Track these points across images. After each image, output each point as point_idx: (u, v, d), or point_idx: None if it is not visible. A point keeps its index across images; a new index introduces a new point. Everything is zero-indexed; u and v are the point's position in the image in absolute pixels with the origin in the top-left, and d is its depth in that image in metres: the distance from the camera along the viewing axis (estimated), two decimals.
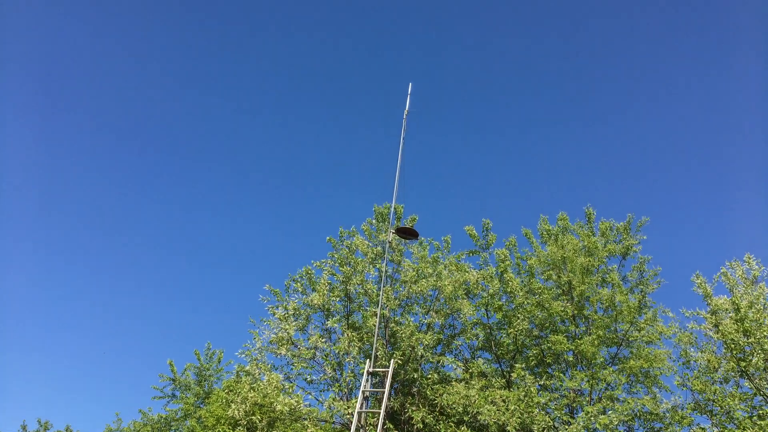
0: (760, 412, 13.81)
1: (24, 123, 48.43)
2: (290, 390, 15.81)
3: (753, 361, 13.96)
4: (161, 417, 23.25)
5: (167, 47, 58.94)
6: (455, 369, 16.19)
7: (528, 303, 15.90)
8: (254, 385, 15.55)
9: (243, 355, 16.38)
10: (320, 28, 62.10)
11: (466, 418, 14.30)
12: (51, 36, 51.66)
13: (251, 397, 15.10)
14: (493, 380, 15.32)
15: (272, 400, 14.88)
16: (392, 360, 13.37)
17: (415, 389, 15.61)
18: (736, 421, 13.70)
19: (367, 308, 16.39)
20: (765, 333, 13.92)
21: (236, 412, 15.10)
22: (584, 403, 14.91)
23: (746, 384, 14.47)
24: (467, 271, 16.35)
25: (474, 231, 17.69)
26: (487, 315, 16.66)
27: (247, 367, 16.28)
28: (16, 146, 47.67)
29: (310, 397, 16.04)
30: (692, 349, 15.43)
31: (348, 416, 14.90)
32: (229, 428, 16.94)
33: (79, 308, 52.31)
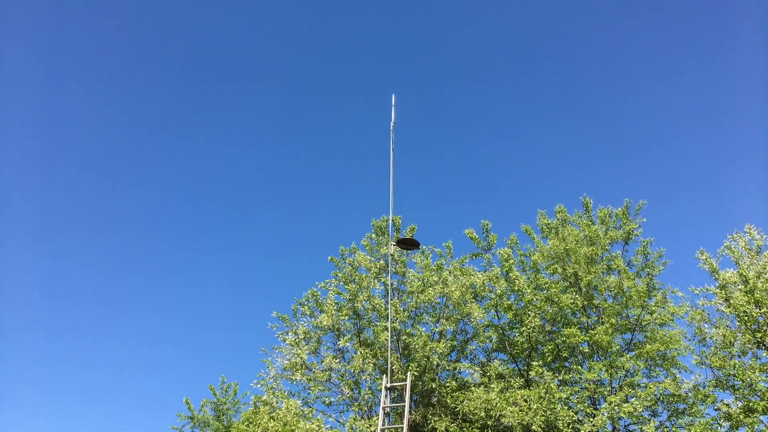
0: None
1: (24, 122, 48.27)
2: (310, 415, 15.70)
3: None
4: None
5: (162, 48, 59.07)
6: (472, 374, 16.11)
7: (537, 299, 15.86)
8: (273, 414, 15.45)
9: (258, 385, 16.30)
10: (297, 40, 62.37)
11: (489, 422, 14.21)
12: (50, 36, 51.54)
13: (272, 427, 14.98)
14: (512, 381, 15.23)
15: (293, 427, 14.76)
16: (408, 372, 13.31)
17: (434, 399, 15.51)
18: (759, 393, 13.64)
19: (377, 323, 16.31)
20: None
21: None
22: (606, 393, 14.82)
23: (764, 354, 14.43)
24: (472, 275, 16.31)
25: (474, 234, 17.67)
26: (498, 316, 16.60)
27: (264, 397, 16.18)
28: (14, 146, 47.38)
29: (330, 419, 15.95)
30: (706, 326, 15.39)
31: None
32: None
33: (86, 350, 51.87)
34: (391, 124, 14.71)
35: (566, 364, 15.68)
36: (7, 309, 45.70)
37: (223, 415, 23.75)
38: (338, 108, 62.34)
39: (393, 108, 14.86)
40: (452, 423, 14.56)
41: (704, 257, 15.78)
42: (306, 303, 17.09)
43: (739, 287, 14.83)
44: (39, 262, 50.81)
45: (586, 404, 14.65)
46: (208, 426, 23.41)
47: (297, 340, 16.39)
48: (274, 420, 15.12)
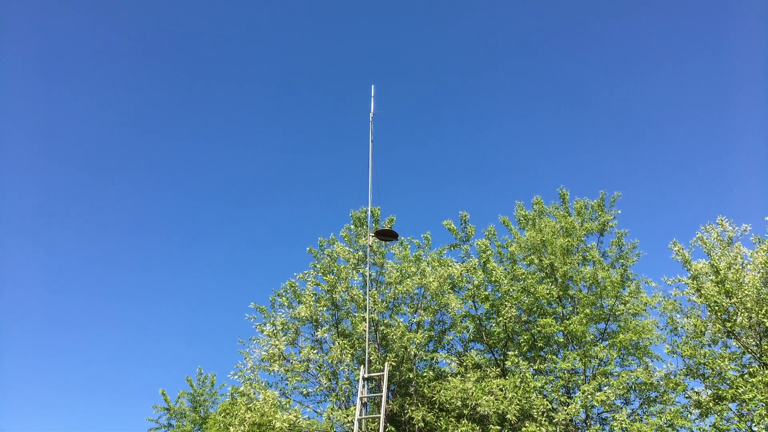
0: (750, 369, 14.10)
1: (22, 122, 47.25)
2: (287, 405, 15.69)
3: (737, 320, 14.25)
4: None
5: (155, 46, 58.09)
6: (449, 364, 16.24)
7: (513, 290, 16.02)
8: (250, 405, 15.39)
9: (236, 377, 16.23)
10: (278, 33, 61.78)
11: (465, 412, 14.34)
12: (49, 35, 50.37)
13: (249, 418, 14.94)
14: (488, 370, 15.40)
15: (270, 417, 14.74)
16: (386, 363, 13.36)
17: (412, 389, 15.60)
18: (728, 381, 13.97)
19: (356, 314, 16.34)
20: (746, 292, 14.23)
21: None
22: (579, 382, 15.05)
23: (734, 344, 14.78)
24: (450, 266, 16.40)
25: (452, 225, 17.75)
26: (475, 306, 16.74)
27: (242, 388, 16.12)
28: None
29: (308, 410, 15.95)
30: (678, 316, 15.72)
31: (348, 424, 14.82)
32: None
33: (58, 340, 51.09)
34: (371, 115, 14.67)
35: (542, 353, 15.90)
36: None
37: (200, 406, 23.66)
38: (317, 99, 62.03)
39: (372, 99, 14.82)
40: (429, 412, 14.67)
41: (677, 248, 16.08)
42: (284, 294, 17.03)
43: (711, 278, 15.15)
44: (11, 248, 49.82)
45: (560, 393, 14.87)
46: (185, 417, 23.31)
47: (275, 331, 16.34)
48: (252, 411, 15.07)
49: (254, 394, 15.75)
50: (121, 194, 57.06)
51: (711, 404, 13.90)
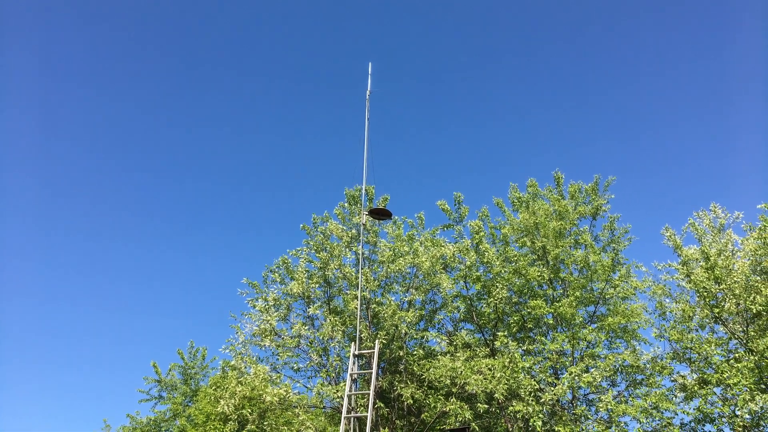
0: (736, 355, 14.29)
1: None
2: (278, 380, 15.82)
3: (725, 306, 14.37)
4: (150, 419, 23.12)
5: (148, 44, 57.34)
6: (439, 343, 16.36)
7: (505, 271, 16.09)
8: (241, 379, 15.52)
9: (227, 351, 16.34)
10: (277, 12, 61.00)
11: (454, 390, 14.50)
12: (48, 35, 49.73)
13: (239, 391, 15.07)
14: (478, 350, 15.54)
15: (261, 392, 14.87)
16: (377, 341, 13.47)
17: (402, 367, 15.75)
18: (714, 366, 14.15)
19: (348, 292, 16.40)
20: (735, 279, 14.33)
21: (226, 407, 15.08)
22: (567, 363, 15.21)
23: (721, 329, 14.94)
24: (443, 246, 16.44)
25: (446, 205, 17.75)
26: (466, 287, 16.82)
27: (233, 362, 16.23)
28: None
29: (298, 385, 16.11)
30: (667, 301, 15.83)
31: (338, 400, 14.98)
32: (220, 424, 16.93)
33: (53, 314, 51.22)
34: (367, 92, 14.57)
35: (531, 334, 16.03)
36: None
37: (191, 379, 23.82)
38: (314, 76, 61.49)
39: (369, 77, 14.72)
40: (418, 390, 14.83)
41: (669, 234, 16.14)
42: (277, 270, 17.06)
43: (701, 264, 15.24)
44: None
45: (548, 374, 15.03)
46: (176, 390, 23.47)
47: (267, 306, 16.40)
48: (242, 385, 15.20)
49: (245, 368, 15.86)
50: (125, 178, 56.78)
51: (696, 388, 14.07)
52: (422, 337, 16.30)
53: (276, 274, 16.97)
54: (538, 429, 13.53)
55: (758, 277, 14.55)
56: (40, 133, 52.47)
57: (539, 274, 15.82)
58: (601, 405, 14.01)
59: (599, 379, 14.24)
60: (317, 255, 16.75)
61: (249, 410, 15.35)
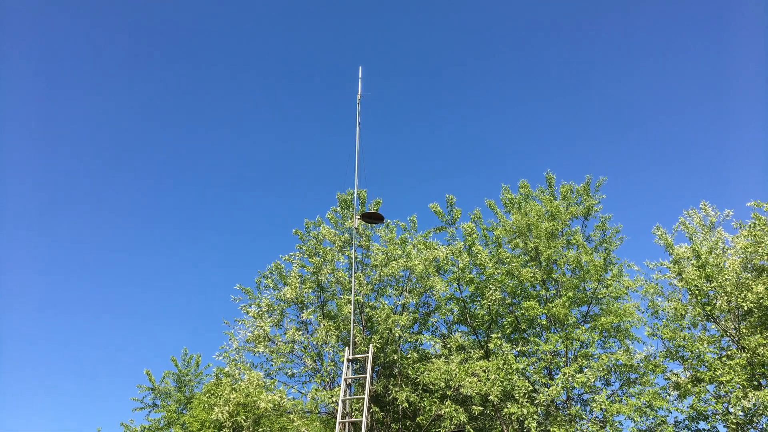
0: (728, 352, 14.37)
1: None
2: (272, 386, 15.76)
3: (717, 304, 14.46)
4: (144, 428, 22.98)
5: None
6: (434, 345, 16.37)
7: (498, 273, 16.11)
8: (235, 385, 15.46)
9: (221, 357, 16.24)
10: (263, 11, 60.94)
11: (449, 393, 14.51)
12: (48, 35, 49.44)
13: (234, 398, 15.01)
14: (472, 352, 15.54)
15: (255, 398, 14.82)
16: (371, 345, 13.44)
17: (396, 370, 15.74)
18: (706, 364, 14.22)
19: (341, 296, 16.38)
20: (726, 276, 14.42)
21: (220, 414, 15.02)
22: (561, 363, 15.25)
23: (713, 327, 15.02)
24: (436, 249, 16.44)
25: (438, 208, 17.76)
26: (460, 289, 16.84)
27: (227, 369, 16.16)
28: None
29: (293, 390, 16.07)
30: (659, 299, 15.92)
31: (333, 405, 14.94)
32: (214, 431, 16.85)
33: (47, 320, 50.89)
34: (358, 96, 14.56)
35: (524, 335, 16.06)
36: None
37: (185, 386, 23.71)
38: (305, 80, 61.46)
39: (360, 80, 14.71)
40: (413, 393, 14.82)
41: (660, 232, 16.23)
42: (270, 276, 17.00)
43: (692, 262, 15.33)
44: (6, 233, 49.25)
45: (542, 375, 15.06)
46: (170, 397, 23.35)
47: (260, 312, 16.33)
48: (236, 391, 15.14)
49: (239, 374, 15.80)
50: (115, 182, 56.53)
51: (689, 386, 14.14)
52: (416, 340, 16.30)
53: (269, 280, 16.92)
54: (533, 430, 13.53)
55: (749, 275, 14.66)
56: (38, 136, 52.14)
57: (532, 275, 15.85)
58: (595, 405, 14.04)
59: (593, 379, 14.28)
60: (310, 260, 16.72)
61: (243, 417, 15.30)
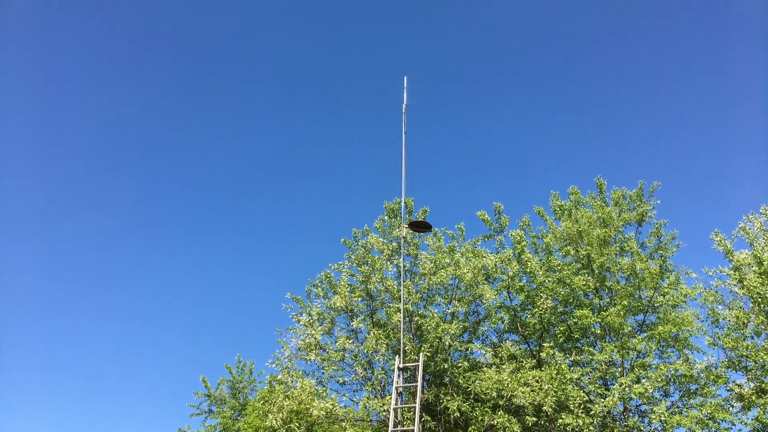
0: None
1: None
2: (324, 394, 15.98)
3: None
4: None
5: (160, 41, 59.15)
6: (484, 354, 16.24)
7: (549, 281, 15.90)
8: (288, 392, 15.72)
9: (274, 365, 16.57)
10: (310, 25, 62.01)
11: (501, 402, 14.37)
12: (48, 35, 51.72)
13: (287, 405, 15.27)
14: (524, 361, 15.35)
15: (308, 405, 15.04)
16: (421, 353, 13.48)
17: (447, 379, 15.70)
18: None
19: (390, 305, 16.47)
20: None
21: (274, 421, 15.29)
22: (617, 374, 14.91)
23: None
24: (484, 256, 16.36)
25: (486, 216, 17.65)
26: (510, 297, 16.68)
27: (279, 376, 16.46)
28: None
29: (344, 398, 16.23)
30: (719, 307, 15.36)
31: (384, 413, 15.02)
32: None
33: (100, 332, 52.74)
34: (404, 106, 14.70)
35: (578, 345, 15.76)
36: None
37: (239, 393, 24.23)
38: (351, 90, 62.11)
39: (405, 90, 14.84)
40: (464, 403, 14.74)
41: (718, 239, 15.69)
42: (319, 284, 17.27)
43: (754, 269, 14.77)
44: (39, 245, 51.34)
45: (597, 385, 14.76)
46: (225, 404, 23.90)
47: (311, 320, 16.60)
48: (290, 398, 15.40)
49: (292, 382, 16.07)
50: (170, 192, 58.23)
51: (753, 397, 13.61)
52: (467, 349, 16.22)
53: (319, 289, 17.18)
54: None
55: None
56: (40, 138, 53.96)
57: (584, 283, 15.57)
58: (654, 416, 13.67)
59: (651, 390, 13.90)
60: (359, 269, 16.89)
61: (297, 424, 15.53)
